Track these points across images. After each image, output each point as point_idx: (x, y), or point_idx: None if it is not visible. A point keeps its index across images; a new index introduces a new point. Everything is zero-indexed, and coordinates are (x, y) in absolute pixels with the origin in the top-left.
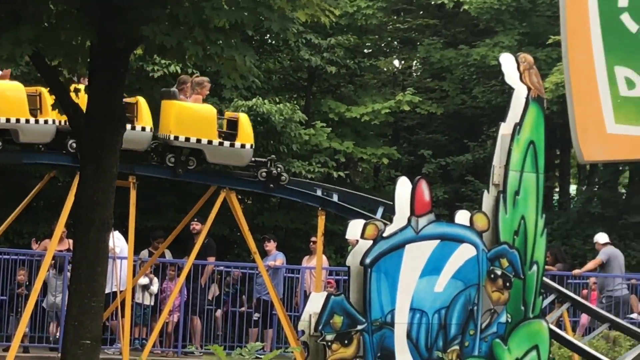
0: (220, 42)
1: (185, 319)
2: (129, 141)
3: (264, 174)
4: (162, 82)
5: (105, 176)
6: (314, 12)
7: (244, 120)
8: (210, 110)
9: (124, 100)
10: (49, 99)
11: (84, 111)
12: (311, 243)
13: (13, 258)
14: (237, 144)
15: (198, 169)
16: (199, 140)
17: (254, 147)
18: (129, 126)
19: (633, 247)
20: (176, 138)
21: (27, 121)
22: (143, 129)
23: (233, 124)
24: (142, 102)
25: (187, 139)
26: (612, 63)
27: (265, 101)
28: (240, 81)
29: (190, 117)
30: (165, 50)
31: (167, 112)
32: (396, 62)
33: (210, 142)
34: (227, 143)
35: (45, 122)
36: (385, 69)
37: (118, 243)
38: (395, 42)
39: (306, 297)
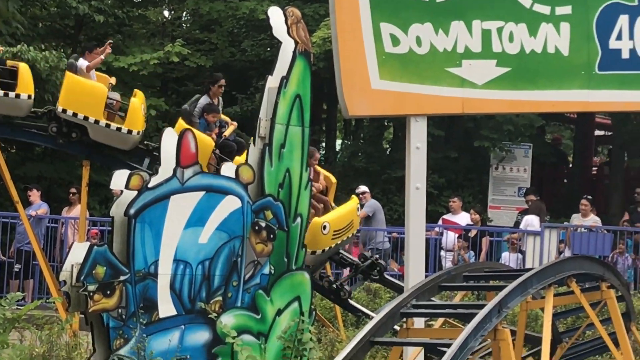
0: None
1: None
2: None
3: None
4: None
5: None
6: None
7: (24, 70)
8: None
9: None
10: None
11: None
12: (71, 195)
13: None
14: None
15: None
16: None
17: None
18: None
19: (395, 201)
20: None
21: None
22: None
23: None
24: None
25: None
26: (377, 19)
27: (31, 48)
28: (4, 27)
29: None
30: None
31: None
32: (166, 13)
33: None
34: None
35: None
36: (154, 19)
37: None
38: None
39: (69, 247)
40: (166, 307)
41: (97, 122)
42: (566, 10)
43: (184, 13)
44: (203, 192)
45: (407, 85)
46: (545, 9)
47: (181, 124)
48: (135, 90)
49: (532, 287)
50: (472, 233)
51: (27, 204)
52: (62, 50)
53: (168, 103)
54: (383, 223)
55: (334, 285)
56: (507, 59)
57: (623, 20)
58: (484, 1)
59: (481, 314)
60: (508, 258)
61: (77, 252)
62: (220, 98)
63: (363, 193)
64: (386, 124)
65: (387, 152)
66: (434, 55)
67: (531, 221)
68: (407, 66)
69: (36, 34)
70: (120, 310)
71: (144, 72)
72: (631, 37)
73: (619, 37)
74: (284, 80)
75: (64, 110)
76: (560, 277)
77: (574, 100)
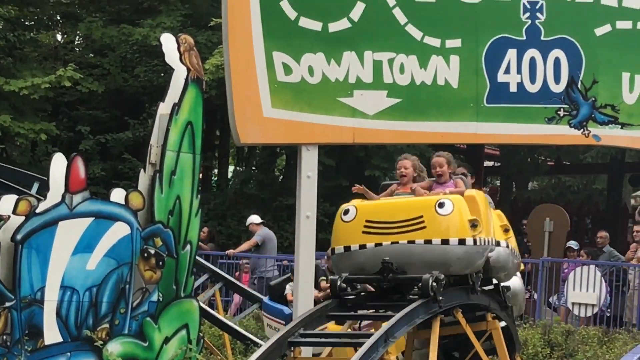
0: None
1: None
2: None
3: None
4: None
5: None
6: None
7: None
8: None
9: None
10: None
11: None
12: None
13: None
14: None
15: None
16: None
17: None
18: None
19: (286, 228)
20: None
21: None
22: None
23: None
24: None
25: None
26: (270, 48)
27: None
28: None
29: None
30: None
31: None
32: (58, 37)
33: None
34: None
35: None
36: (46, 42)
37: None
38: (58, 16)
39: None
40: (52, 334)
41: None
42: (456, 43)
43: (77, 37)
44: (92, 218)
45: (299, 114)
46: (435, 42)
47: None
48: None
49: (419, 317)
50: None
51: None
52: None
53: (59, 127)
54: (274, 251)
55: None
56: (398, 90)
57: (511, 54)
58: (376, 32)
59: (368, 343)
60: None
61: None
62: None
63: (259, 224)
64: (278, 151)
65: (279, 180)
66: (326, 84)
67: None
68: (299, 95)
69: None
70: (4, 337)
71: (35, 96)
72: (519, 71)
73: (507, 71)
74: (176, 107)
75: None
76: (446, 307)
77: (463, 132)
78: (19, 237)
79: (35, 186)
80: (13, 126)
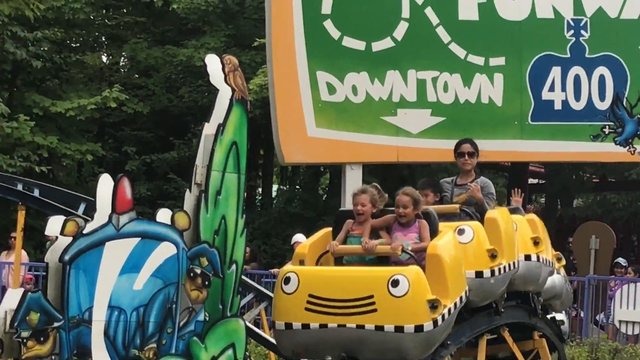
0: None
1: None
2: None
3: None
4: None
5: None
6: (18, 5)
7: None
8: None
9: None
10: None
11: None
12: (12, 239)
13: None
14: None
15: None
16: None
17: None
18: None
19: None
20: None
21: None
22: None
23: None
24: None
25: None
26: (314, 68)
27: None
28: None
29: None
30: None
31: None
32: (104, 58)
33: None
34: None
35: None
36: (92, 64)
37: None
38: (103, 38)
39: (4, 292)
40: (100, 354)
41: None
42: (500, 61)
43: (122, 58)
44: (138, 239)
45: (343, 134)
46: (479, 60)
47: None
48: None
49: (465, 336)
50: None
51: None
52: None
53: (105, 148)
54: None
55: None
56: (442, 109)
57: (555, 72)
58: (419, 51)
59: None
60: None
61: (11, 299)
62: None
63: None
64: (322, 170)
65: (323, 199)
66: (370, 104)
67: None
68: (343, 114)
69: None
70: (53, 357)
71: (81, 117)
72: (563, 88)
73: (551, 89)
74: (221, 127)
75: None
76: (493, 326)
77: (507, 150)
78: (66, 257)
79: (82, 207)
80: (60, 147)
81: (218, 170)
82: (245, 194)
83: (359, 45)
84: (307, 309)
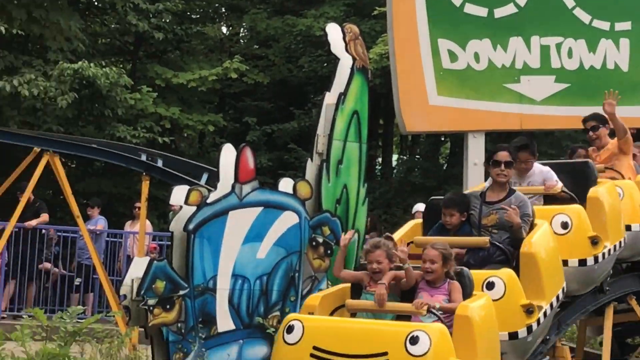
0: (46, 4)
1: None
2: None
3: None
4: None
5: None
6: None
7: None
8: None
9: None
10: None
11: None
12: (136, 209)
13: None
14: None
15: (19, 131)
16: None
17: None
18: None
19: None
20: None
21: None
22: None
23: None
24: None
25: None
26: (435, 35)
27: (91, 64)
28: (66, 44)
29: None
30: None
31: None
32: (224, 29)
33: None
34: None
35: None
36: (212, 35)
37: None
38: (223, 9)
39: (129, 261)
40: (224, 322)
41: None
42: (626, 26)
43: (242, 29)
44: (261, 208)
45: (465, 102)
46: (604, 25)
47: None
48: None
49: (592, 305)
50: None
51: (87, 218)
52: (121, 66)
53: (226, 119)
54: None
55: None
56: (566, 75)
57: None
58: (543, 17)
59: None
60: None
61: (137, 267)
62: None
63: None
64: (443, 139)
65: (444, 168)
66: (492, 71)
67: None
68: (465, 82)
69: (96, 51)
70: (179, 325)
71: (203, 88)
72: None
73: None
74: (342, 96)
75: None
76: (620, 294)
77: (634, 117)
78: (191, 227)
79: (205, 177)
80: (182, 118)
81: (339, 139)
82: (366, 163)
83: (481, 11)
84: None
